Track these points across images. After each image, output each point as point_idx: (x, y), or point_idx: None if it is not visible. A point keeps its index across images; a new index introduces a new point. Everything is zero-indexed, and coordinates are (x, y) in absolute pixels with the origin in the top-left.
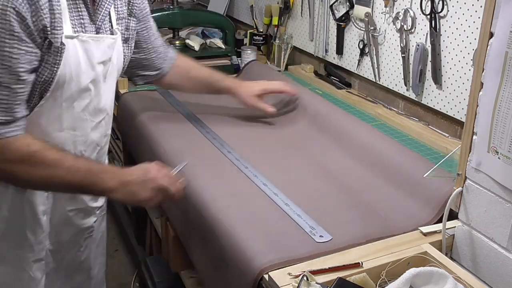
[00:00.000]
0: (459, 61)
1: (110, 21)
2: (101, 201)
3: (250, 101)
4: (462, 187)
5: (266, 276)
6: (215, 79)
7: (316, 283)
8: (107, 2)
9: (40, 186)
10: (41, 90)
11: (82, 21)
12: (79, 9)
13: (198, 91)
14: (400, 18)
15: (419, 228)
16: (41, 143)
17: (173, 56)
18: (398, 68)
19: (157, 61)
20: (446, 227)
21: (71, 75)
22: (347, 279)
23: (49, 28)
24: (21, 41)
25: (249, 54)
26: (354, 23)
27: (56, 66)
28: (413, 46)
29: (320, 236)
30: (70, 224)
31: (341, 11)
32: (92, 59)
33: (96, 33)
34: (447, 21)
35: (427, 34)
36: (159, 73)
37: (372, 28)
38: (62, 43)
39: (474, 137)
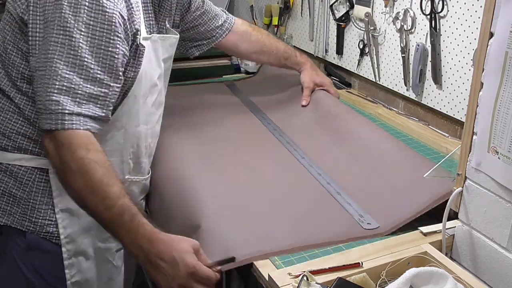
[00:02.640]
0: (459, 61)
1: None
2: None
3: (308, 84)
4: (462, 187)
5: (266, 275)
6: (281, 53)
7: (316, 283)
8: (169, 2)
9: (72, 195)
10: (125, 90)
11: (151, 22)
12: (149, 11)
13: (261, 60)
14: (400, 18)
15: (419, 228)
16: (102, 156)
17: (229, 21)
18: (398, 68)
19: (206, 33)
20: (446, 227)
21: (145, 73)
22: (347, 279)
23: (139, 32)
24: (122, 42)
25: None
26: (354, 23)
27: (139, 66)
28: (413, 46)
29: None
30: None
31: (341, 11)
32: (159, 56)
33: (158, 33)
34: (447, 21)
35: (427, 34)
36: (210, 41)
37: (372, 28)
38: (141, 45)
39: (474, 137)
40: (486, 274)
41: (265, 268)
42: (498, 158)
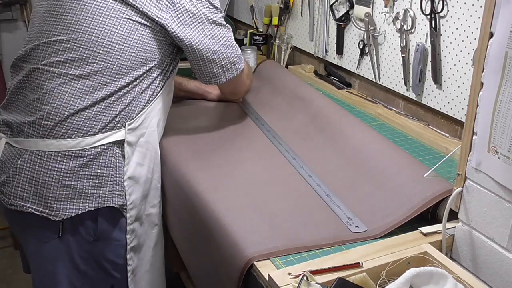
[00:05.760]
0: (459, 61)
1: None
2: None
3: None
4: (462, 187)
5: (266, 275)
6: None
7: (316, 283)
8: None
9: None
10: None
11: None
12: None
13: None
14: (400, 18)
15: (419, 228)
16: None
17: None
18: (398, 68)
19: None
20: (446, 227)
21: None
22: (347, 279)
23: None
24: None
25: (249, 54)
26: (354, 23)
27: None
28: (413, 46)
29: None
30: None
31: (341, 11)
32: None
33: None
34: (447, 21)
35: (427, 34)
36: None
37: (372, 28)
38: None
39: (474, 137)
40: (486, 274)
41: (265, 268)
42: (498, 158)
